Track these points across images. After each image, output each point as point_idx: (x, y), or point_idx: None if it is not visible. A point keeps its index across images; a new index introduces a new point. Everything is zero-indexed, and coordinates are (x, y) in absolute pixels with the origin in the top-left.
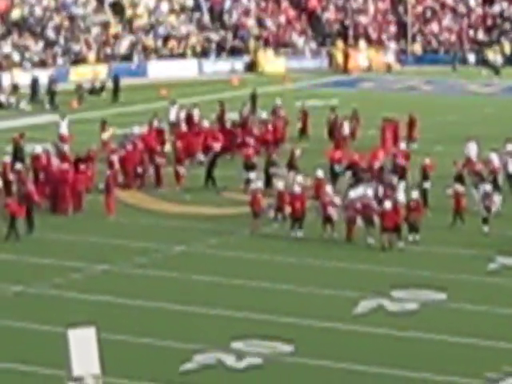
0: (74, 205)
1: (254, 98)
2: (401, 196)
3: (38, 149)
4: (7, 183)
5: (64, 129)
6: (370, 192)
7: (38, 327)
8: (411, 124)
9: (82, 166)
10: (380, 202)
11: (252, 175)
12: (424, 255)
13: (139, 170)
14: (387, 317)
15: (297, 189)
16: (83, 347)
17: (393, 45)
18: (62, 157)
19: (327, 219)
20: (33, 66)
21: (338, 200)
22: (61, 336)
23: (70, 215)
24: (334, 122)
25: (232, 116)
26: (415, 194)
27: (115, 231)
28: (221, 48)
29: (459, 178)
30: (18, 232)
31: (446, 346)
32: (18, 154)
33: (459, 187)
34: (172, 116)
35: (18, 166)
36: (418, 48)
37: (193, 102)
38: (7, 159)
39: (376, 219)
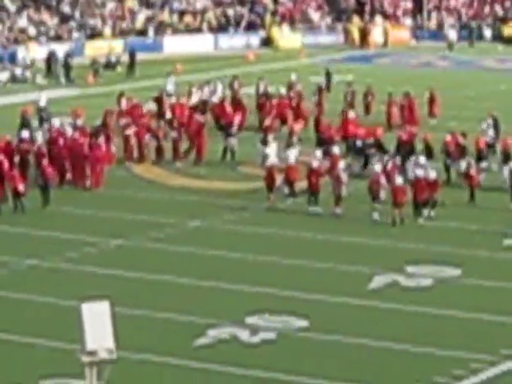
0: (91, 179)
1: (328, 76)
2: (433, 173)
3: (56, 122)
4: (24, 158)
5: (43, 102)
6: (378, 167)
7: (52, 301)
8: (432, 100)
9: (99, 140)
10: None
11: (268, 150)
12: (439, 231)
13: (161, 142)
14: (402, 292)
15: (314, 163)
16: (97, 321)
17: (408, 20)
18: (79, 131)
19: (337, 196)
20: (48, 41)
21: (344, 176)
22: (74, 310)
23: (86, 189)
24: (352, 97)
25: (247, 91)
26: (433, 171)
27: (130, 205)
28: (237, 23)
29: (479, 156)
30: (23, 205)
31: (460, 321)
32: (25, 127)
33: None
34: (169, 87)
35: (25, 134)
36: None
37: (211, 76)
38: (25, 134)
39: (382, 194)
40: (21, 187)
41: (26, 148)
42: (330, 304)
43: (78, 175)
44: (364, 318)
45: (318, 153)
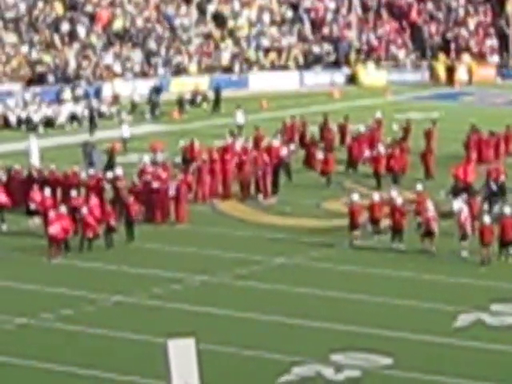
0: (175, 214)
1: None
2: (508, 210)
3: (146, 159)
4: (118, 193)
5: (126, 132)
6: (463, 206)
7: (138, 337)
8: (507, 138)
9: (181, 175)
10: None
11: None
12: None
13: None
14: (487, 331)
15: (398, 201)
16: (183, 358)
17: (494, 58)
18: (161, 166)
19: (429, 233)
20: (134, 77)
21: (436, 215)
22: (160, 346)
23: (169, 225)
24: (430, 134)
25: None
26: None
27: (215, 242)
28: (321, 60)
29: None
30: (112, 240)
31: None
32: (110, 164)
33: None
34: (239, 119)
35: (110, 174)
36: None
37: (293, 113)
38: (119, 171)
39: (469, 233)
40: (113, 223)
41: (120, 185)
42: (415, 342)
43: (160, 211)
44: (449, 357)
45: (395, 191)
